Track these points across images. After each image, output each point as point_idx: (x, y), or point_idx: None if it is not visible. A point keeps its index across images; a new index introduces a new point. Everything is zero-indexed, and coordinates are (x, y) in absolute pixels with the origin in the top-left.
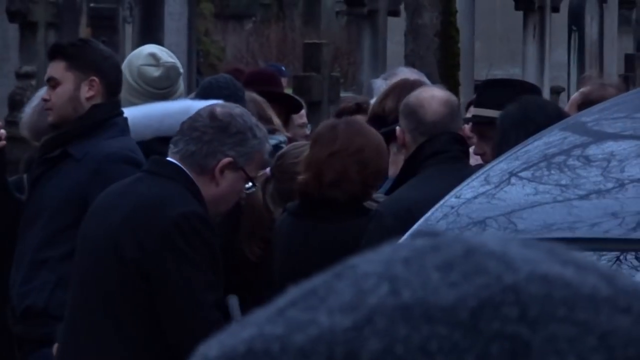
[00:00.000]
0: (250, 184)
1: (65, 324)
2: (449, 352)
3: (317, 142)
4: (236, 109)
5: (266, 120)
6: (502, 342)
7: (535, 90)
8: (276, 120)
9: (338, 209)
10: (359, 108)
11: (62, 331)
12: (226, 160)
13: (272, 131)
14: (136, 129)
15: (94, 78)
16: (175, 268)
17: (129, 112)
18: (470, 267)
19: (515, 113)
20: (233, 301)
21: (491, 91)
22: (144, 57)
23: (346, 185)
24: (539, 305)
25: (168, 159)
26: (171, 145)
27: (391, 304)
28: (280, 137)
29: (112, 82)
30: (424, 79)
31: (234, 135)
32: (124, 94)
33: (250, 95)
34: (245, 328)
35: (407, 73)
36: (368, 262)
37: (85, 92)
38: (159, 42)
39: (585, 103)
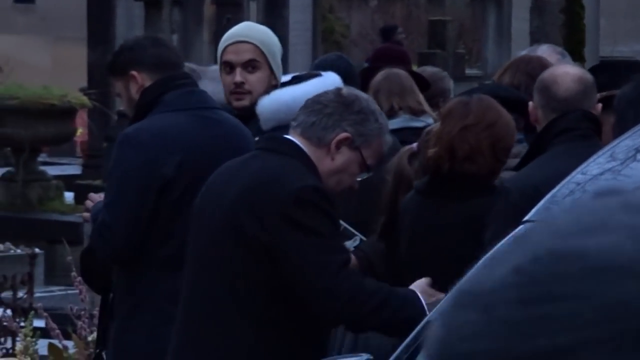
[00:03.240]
0: (364, 172)
1: (183, 303)
2: None
3: (448, 117)
4: (363, 93)
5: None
6: None
7: None
8: (422, 100)
9: (468, 186)
10: None
11: (180, 310)
12: (344, 134)
13: (420, 112)
14: (269, 115)
15: (132, 73)
16: (297, 240)
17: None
18: None
19: (631, 92)
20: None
21: (606, 73)
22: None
23: (479, 160)
24: None
25: (284, 136)
26: (292, 122)
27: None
28: (428, 120)
29: (151, 65)
30: (566, 57)
31: (356, 113)
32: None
33: (395, 71)
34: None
35: (547, 51)
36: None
37: (134, 89)
38: (284, 19)
39: None
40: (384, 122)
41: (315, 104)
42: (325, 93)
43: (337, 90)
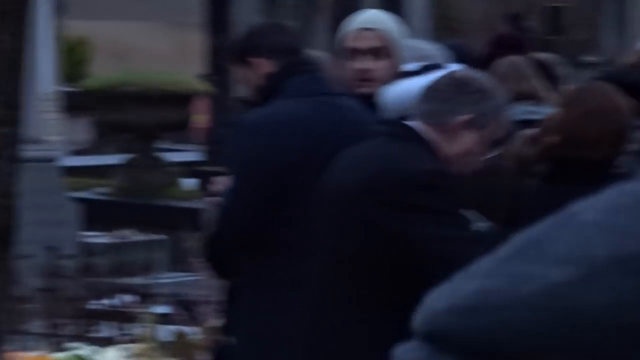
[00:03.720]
0: (489, 151)
1: (309, 290)
2: None
3: (568, 104)
4: (477, 72)
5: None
6: None
7: None
8: (542, 88)
9: (590, 173)
10: None
11: (306, 297)
12: (464, 118)
13: (540, 100)
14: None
15: (254, 59)
16: (423, 224)
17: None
18: None
19: None
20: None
21: None
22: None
23: (600, 146)
24: None
25: (404, 121)
26: (412, 112)
27: (614, 256)
28: (547, 108)
29: (273, 51)
30: None
31: (472, 94)
32: None
33: (515, 58)
34: (469, 281)
35: None
36: (589, 209)
37: (256, 76)
38: (401, 6)
39: None
40: (502, 99)
41: (431, 91)
42: (440, 78)
43: (451, 74)
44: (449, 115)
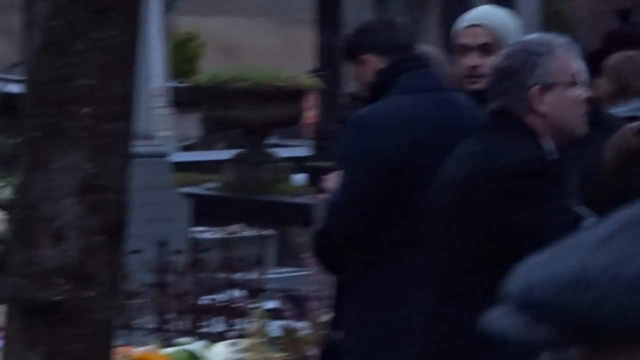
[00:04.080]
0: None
1: (420, 286)
2: None
3: None
4: (514, 42)
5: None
6: None
7: None
8: None
9: None
10: None
11: (419, 293)
12: (533, 89)
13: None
14: None
15: (366, 56)
16: (527, 210)
17: None
18: None
19: None
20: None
21: None
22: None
23: None
24: None
25: (503, 112)
26: (489, 101)
27: None
28: None
29: (385, 47)
30: None
31: (523, 62)
32: None
33: (631, 53)
34: (569, 254)
35: None
36: None
37: (367, 72)
38: (512, 1)
39: None
40: (545, 47)
41: (496, 81)
42: (495, 64)
43: (500, 57)
44: (522, 98)
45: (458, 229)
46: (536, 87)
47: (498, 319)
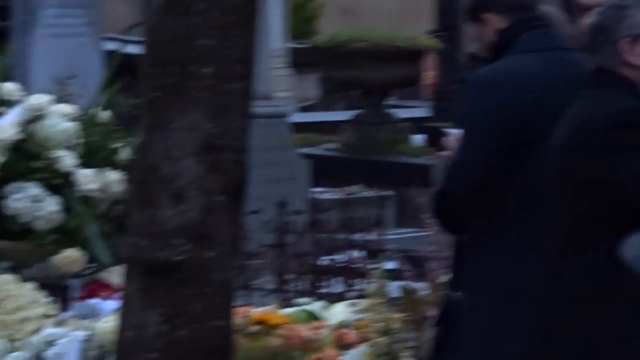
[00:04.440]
0: None
1: (535, 246)
2: None
3: None
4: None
5: None
6: None
7: None
8: None
9: None
10: None
11: (538, 255)
12: (623, 42)
13: None
14: None
15: (488, 16)
16: (628, 163)
17: None
18: None
19: None
20: None
21: None
22: None
23: None
24: None
25: (604, 69)
26: (588, 60)
27: None
28: None
29: (507, 7)
30: None
31: (611, 20)
32: None
33: None
34: None
35: None
36: None
37: (489, 32)
38: None
39: None
40: (628, 1)
41: (590, 40)
42: (589, 23)
43: (592, 16)
44: (614, 53)
45: (568, 189)
46: (626, 40)
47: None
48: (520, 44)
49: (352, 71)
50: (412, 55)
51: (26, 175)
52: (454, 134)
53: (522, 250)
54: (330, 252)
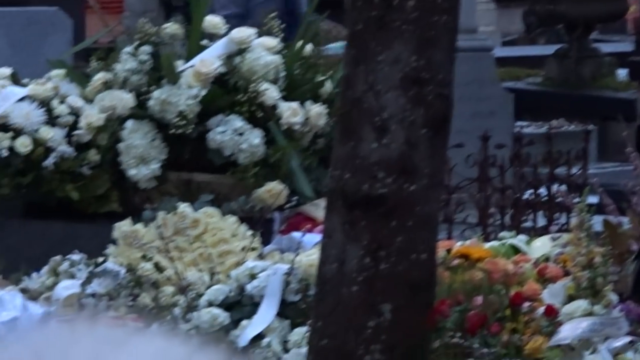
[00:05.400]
0: None
1: None
2: None
3: None
4: None
5: None
6: None
7: None
8: None
9: None
10: None
11: None
12: None
13: None
14: None
15: None
16: None
17: None
18: None
19: None
20: None
21: None
22: None
23: None
24: None
25: None
26: None
27: None
28: None
29: None
30: None
31: None
32: None
33: None
34: None
35: None
36: None
37: None
38: None
39: None
40: None
41: None
42: None
43: None
44: None
45: None
46: None
47: None
48: None
49: (557, 5)
50: None
51: (229, 108)
52: None
53: None
54: (532, 186)
